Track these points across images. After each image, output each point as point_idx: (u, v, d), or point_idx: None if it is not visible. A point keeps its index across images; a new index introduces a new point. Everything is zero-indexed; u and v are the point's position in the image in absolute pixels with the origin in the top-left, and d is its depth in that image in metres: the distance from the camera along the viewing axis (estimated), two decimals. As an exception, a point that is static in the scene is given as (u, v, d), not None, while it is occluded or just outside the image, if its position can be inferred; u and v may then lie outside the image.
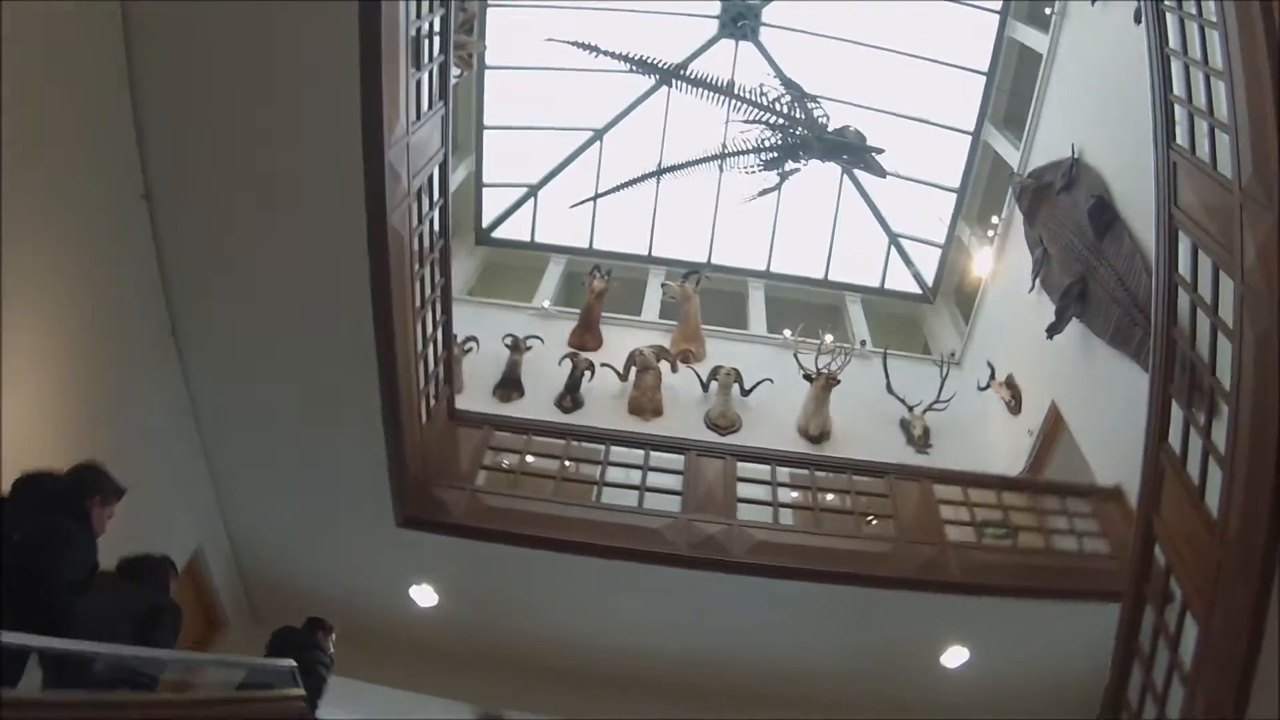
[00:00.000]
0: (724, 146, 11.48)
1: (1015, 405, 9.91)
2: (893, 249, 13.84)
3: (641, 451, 7.99)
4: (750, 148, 11.20)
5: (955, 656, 7.39)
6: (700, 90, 11.08)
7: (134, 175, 5.75)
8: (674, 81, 11.40)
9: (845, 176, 13.15)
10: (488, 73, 13.10)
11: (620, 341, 11.31)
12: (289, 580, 7.74)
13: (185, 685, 4.05)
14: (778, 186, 11.50)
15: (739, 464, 7.94)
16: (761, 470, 7.97)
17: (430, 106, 6.55)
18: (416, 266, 6.61)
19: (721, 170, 11.77)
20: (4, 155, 4.45)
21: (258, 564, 7.75)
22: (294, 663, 4.76)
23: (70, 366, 5.41)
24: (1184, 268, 5.24)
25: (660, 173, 12.10)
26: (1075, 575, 7.05)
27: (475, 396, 9.71)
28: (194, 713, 3.58)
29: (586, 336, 11.49)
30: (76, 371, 5.47)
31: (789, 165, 11.21)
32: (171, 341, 6.42)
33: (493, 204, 14.17)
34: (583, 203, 13.09)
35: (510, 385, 10.35)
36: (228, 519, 7.42)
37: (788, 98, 11.06)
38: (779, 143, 11.04)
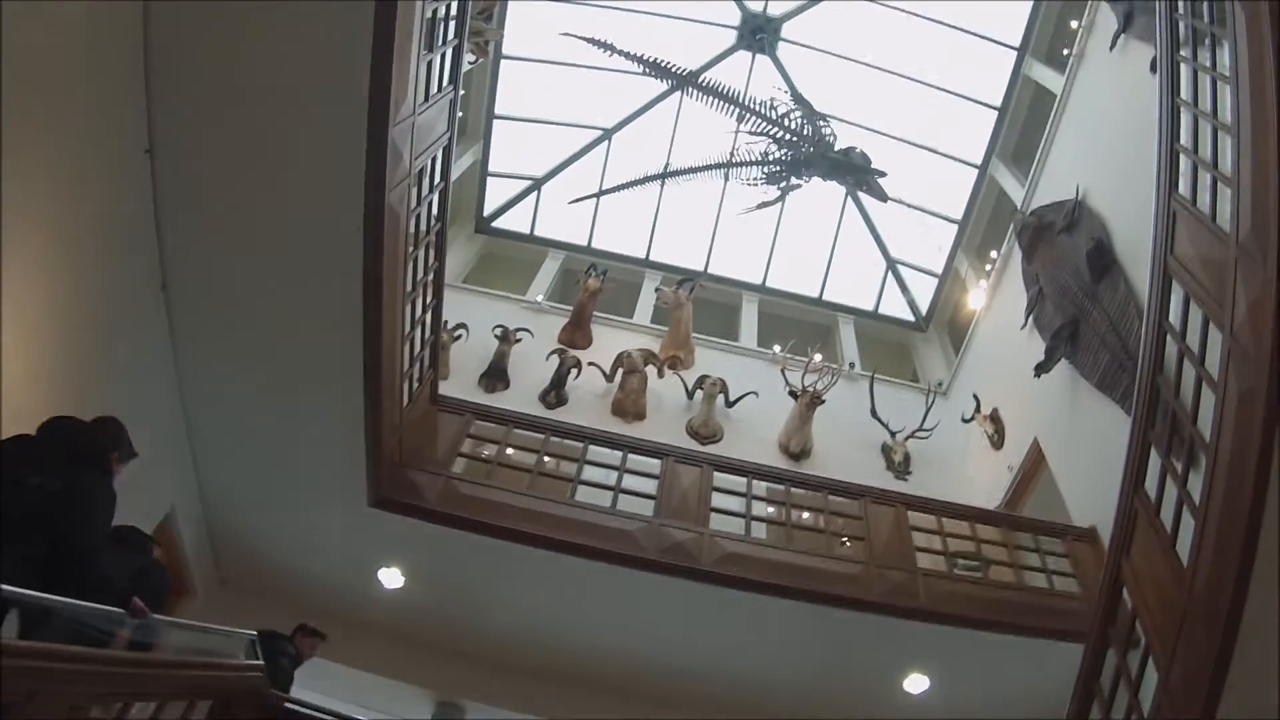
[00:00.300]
0: (731, 156, 11.49)
1: (998, 440, 9.93)
2: (890, 274, 13.88)
3: (620, 453, 7.99)
4: (755, 159, 11.21)
5: (917, 683, 7.41)
6: (711, 99, 11.08)
7: (139, 135, 5.73)
8: (687, 88, 11.41)
9: (849, 198, 13.18)
10: (503, 62, 13.09)
11: (610, 342, 11.33)
12: (258, 551, 7.71)
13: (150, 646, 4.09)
14: (778, 200, 11.51)
15: (716, 474, 7.95)
16: (738, 482, 7.98)
17: (440, 89, 6.52)
18: (411, 248, 6.58)
19: (725, 180, 11.79)
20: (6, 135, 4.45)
21: (228, 532, 7.70)
22: (255, 633, 4.78)
23: (59, 322, 5.36)
24: (1175, 317, 5.24)
25: (664, 176, 12.10)
26: (1043, 613, 7.06)
27: (460, 384, 9.70)
28: (154, 672, 3.57)
29: (577, 334, 11.49)
30: (65, 328, 5.42)
31: (791, 180, 11.22)
32: (162, 305, 6.38)
33: (496, 194, 14.17)
34: (584, 199, 13.08)
35: (496, 376, 10.33)
36: (202, 484, 7.37)
37: (798, 114, 11.08)
38: (784, 157, 11.05)
